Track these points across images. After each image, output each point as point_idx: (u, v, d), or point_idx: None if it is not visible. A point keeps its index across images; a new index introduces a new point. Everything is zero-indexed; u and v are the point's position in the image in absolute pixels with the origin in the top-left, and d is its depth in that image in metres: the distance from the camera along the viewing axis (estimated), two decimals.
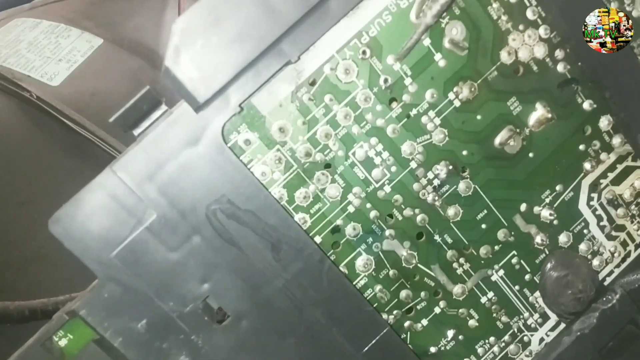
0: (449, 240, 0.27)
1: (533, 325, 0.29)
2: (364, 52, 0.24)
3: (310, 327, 0.25)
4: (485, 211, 0.27)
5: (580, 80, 0.27)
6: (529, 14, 0.26)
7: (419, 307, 0.27)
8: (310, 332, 0.25)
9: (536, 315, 0.29)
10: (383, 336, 0.26)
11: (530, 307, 0.29)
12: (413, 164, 0.26)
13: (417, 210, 0.26)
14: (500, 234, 0.27)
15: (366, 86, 0.25)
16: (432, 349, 0.28)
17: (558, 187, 0.28)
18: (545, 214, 0.28)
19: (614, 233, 0.29)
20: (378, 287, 0.26)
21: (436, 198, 0.26)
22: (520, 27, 0.26)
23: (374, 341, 0.26)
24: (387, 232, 0.26)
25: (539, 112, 0.27)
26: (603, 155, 0.28)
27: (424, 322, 0.27)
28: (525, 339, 0.29)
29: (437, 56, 0.25)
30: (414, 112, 0.25)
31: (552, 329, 0.29)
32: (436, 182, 0.26)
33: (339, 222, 0.25)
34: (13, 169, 0.42)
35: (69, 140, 0.44)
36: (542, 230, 0.28)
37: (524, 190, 0.27)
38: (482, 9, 0.25)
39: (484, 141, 0.26)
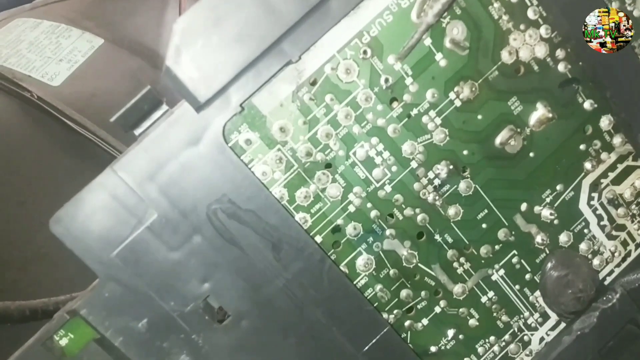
0: (450, 240, 0.27)
1: (533, 325, 0.29)
2: (364, 52, 0.24)
3: (310, 326, 0.25)
4: (486, 211, 0.27)
5: (581, 80, 0.27)
6: (530, 14, 0.26)
7: (419, 306, 0.27)
8: (310, 332, 0.25)
9: (536, 315, 0.29)
10: (383, 335, 0.26)
11: (530, 307, 0.29)
12: (414, 164, 0.26)
13: (417, 210, 0.26)
14: (501, 234, 0.27)
15: (367, 86, 0.25)
16: (433, 349, 0.28)
17: (558, 187, 0.28)
18: (546, 213, 0.28)
19: (614, 233, 0.29)
20: (378, 287, 0.26)
21: (437, 198, 0.26)
22: (521, 26, 0.26)
23: (374, 340, 0.26)
24: (388, 232, 0.26)
25: (539, 112, 0.27)
26: (604, 155, 0.28)
27: (425, 321, 0.27)
28: (526, 338, 0.29)
29: (438, 56, 0.25)
30: (414, 111, 0.25)
31: (553, 329, 0.29)
32: (437, 181, 0.26)
33: (339, 221, 0.25)
34: (13, 169, 0.42)
35: (70, 140, 0.44)
36: (543, 229, 0.28)
37: (525, 189, 0.27)
38: (483, 8, 0.25)
39: (484, 141, 0.27)
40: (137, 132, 0.23)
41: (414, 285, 0.27)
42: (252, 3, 0.22)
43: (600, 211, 0.29)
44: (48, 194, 0.41)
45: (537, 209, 0.28)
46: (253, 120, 0.24)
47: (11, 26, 0.50)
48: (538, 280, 0.28)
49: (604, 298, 0.28)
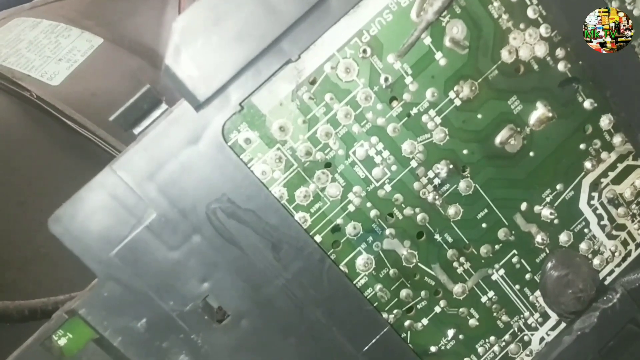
0: (450, 240, 0.27)
1: (533, 325, 0.29)
2: (364, 51, 0.24)
3: (310, 326, 0.25)
4: (486, 210, 0.27)
5: (581, 79, 0.27)
6: (530, 13, 0.26)
7: (419, 306, 0.27)
8: (310, 332, 0.25)
9: (536, 315, 0.29)
10: (383, 335, 0.26)
11: (530, 307, 0.28)
12: (413, 163, 0.26)
13: (417, 210, 0.26)
14: (501, 233, 0.27)
15: (367, 85, 0.25)
16: (433, 348, 0.28)
17: (559, 186, 0.28)
18: (546, 213, 0.28)
19: (614, 232, 0.29)
20: (378, 287, 0.26)
21: (437, 197, 0.26)
22: (521, 25, 0.26)
23: (374, 340, 0.26)
24: (388, 231, 0.26)
25: (539, 111, 0.27)
26: (604, 154, 0.28)
27: (424, 321, 0.27)
28: (526, 338, 0.29)
29: (438, 55, 0.25)
30: (414, 111, 0.25)
31: (553, 329, 0.29)
32: (437, 181, 0.26)
33: (339, 221, 0.25)
34: (13, 169, 0.42)
35: (69, 140, 0.44)
36: (543, 229, 0.28)
37: (525, 189, 0.27)
38: (483, 7, 0.25)
39: (484, 140, 0.26)
40: (136, 131, 0.23)
41: (413, 285, 0.27)
42: (251, 2, 0.22)
43: (600, 211, 0.29)
44: (48, 194, 0.41)
45: (537, 208, 0.28)
46: (252, 119, 0.24)
47: (10, 25, 0.50)
48: (538, 280, 0.28)
49: (605, 298, 0.28)
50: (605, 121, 0.28)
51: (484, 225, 0.27)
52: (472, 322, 0.28)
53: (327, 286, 0.25)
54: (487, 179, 0.27)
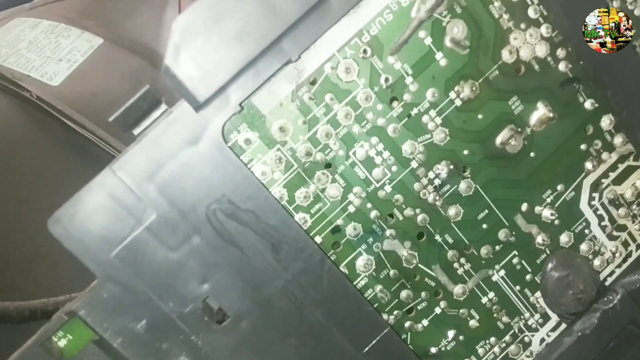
0: (450, 240, 0.27)
1: (534, 326, 0.29)
2: (364, 51, 0.24)
3: (310, 327, 0.25)
4: (486, 211, 0.27)
5: (582, 80, 0.27)
6: (531, 13, 0.26)
7: (419, 307, 0.27)
8: (310, 333, 0.25)
9: (537, 316, 0.29)
10: (383, 336, 0.26)
11: (531, 308, 0.28)
12: (414, 164, 0.26)
13: (417, 210, 0.26)
14: (501, 234, 0.27)
15: (367, 85, 0.24)
16: (433, 350, 0.27)
17: (559, 187, 0.28)
18: (547, 213, 0.28)
19: (615, 233, 0.29)
20: (378, 288, 0.26)
21: (437, 198, 0.26)
22: (522, 25, 0.26)
23: (374, 341, 0.26)
24: (388, 232, 0.26)
25: (540, 112, 0.27)
26: (604, 155, 0.28)
27: (425, 322, 0.27)
28: (526, 339, 0.29)
29: (438, 55, 0.25)
30: (414, 111, 0.25)
31: (553, 330, 0.29)
32: (437, 181, 0.26)
33: (339, 222, 0.25)
34: (13, 169, 0.42)
35: (69, 140, 0.44)
36: (543, 230, 0.28)
37: (525, 190, 0.27)
38: (483, 7, 0.25)
39: (485, 141, 0.26)
40: (136, 131, 0.23)
41: (414, 286, 0.27)
42: (251, 2, 0.22)
43: (601, 211, 0.29)
44: (48, 194, 0.41)
45: (537, 209, 0.28)
46: (252, 119, 0.24)
47: (10, 25, 0.50)
48: (539, 281, 0.28)
49: (605, 299, 0.28)
50: (606, 121, 0.28)
51: (484, 226, 0.27)
52: (473, 323, 0.28)
53: (327, 287, 0.25)
54: (488, 179, 0.27)
